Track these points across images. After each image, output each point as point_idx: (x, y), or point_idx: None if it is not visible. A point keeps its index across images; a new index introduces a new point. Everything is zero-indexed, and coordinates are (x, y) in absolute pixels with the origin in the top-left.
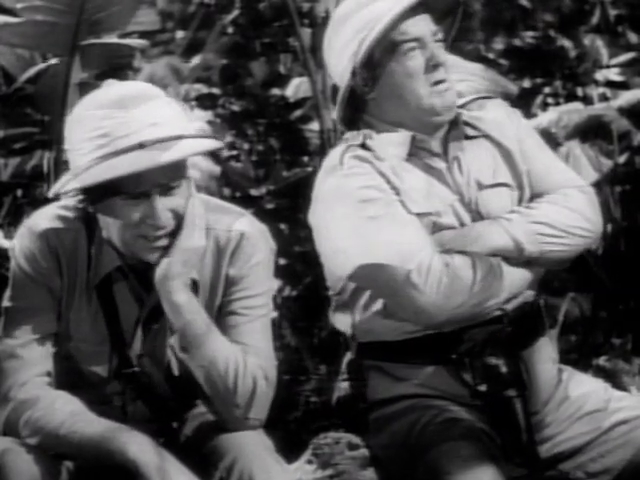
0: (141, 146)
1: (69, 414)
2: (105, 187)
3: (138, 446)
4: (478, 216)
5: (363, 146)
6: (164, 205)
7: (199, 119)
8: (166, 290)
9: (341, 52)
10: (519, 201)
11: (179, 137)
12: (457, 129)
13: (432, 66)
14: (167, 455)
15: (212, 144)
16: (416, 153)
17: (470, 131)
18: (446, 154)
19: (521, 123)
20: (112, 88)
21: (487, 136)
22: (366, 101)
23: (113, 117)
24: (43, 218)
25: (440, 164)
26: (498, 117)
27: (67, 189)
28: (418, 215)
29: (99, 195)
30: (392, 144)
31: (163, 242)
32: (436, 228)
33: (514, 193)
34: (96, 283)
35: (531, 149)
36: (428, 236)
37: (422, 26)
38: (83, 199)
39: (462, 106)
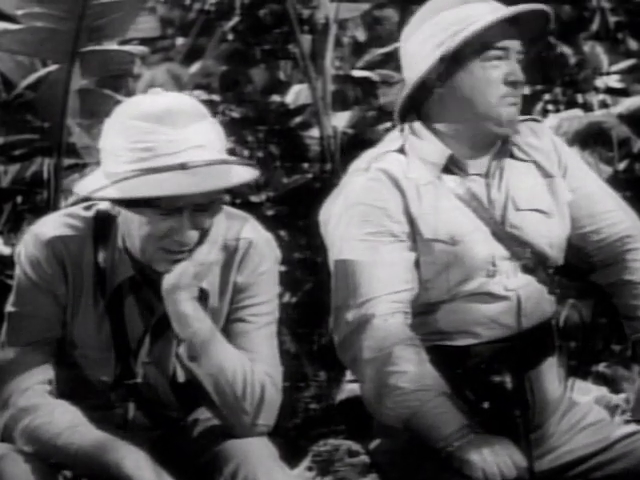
0: (183, 167)
1: (67, 424)
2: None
3: (134, 462)
4: (508, 237)
5: (401, 150)
6: (193, 223)
7: None
8: (173, 299)
9: (425, 41)
10: (559, 229)
11: (223, 162)
12: (505, 147)
13: (510, 81)
14: (163, 473)
15: (252, 174)
16: (451, 170)
17: (518, 153)
18: (488, 171)
19: (565, 151)
20: (160, 99)
21: (535, 162)
22: (427, 97)
23: (159, 132)
24: (49, 225)
25: (478, 181)
26: (546, 145)
27: (104, 196)
28: (429, 241)
29: (131, 203)
30: (428, 158)
31: (182, 256)
32: (447, 255)
33: (551, 220)
34: (110, 292)
35: (579, 175)
36: (398, 284)
37: (512, 39)
38: (114, 203)
39: None
